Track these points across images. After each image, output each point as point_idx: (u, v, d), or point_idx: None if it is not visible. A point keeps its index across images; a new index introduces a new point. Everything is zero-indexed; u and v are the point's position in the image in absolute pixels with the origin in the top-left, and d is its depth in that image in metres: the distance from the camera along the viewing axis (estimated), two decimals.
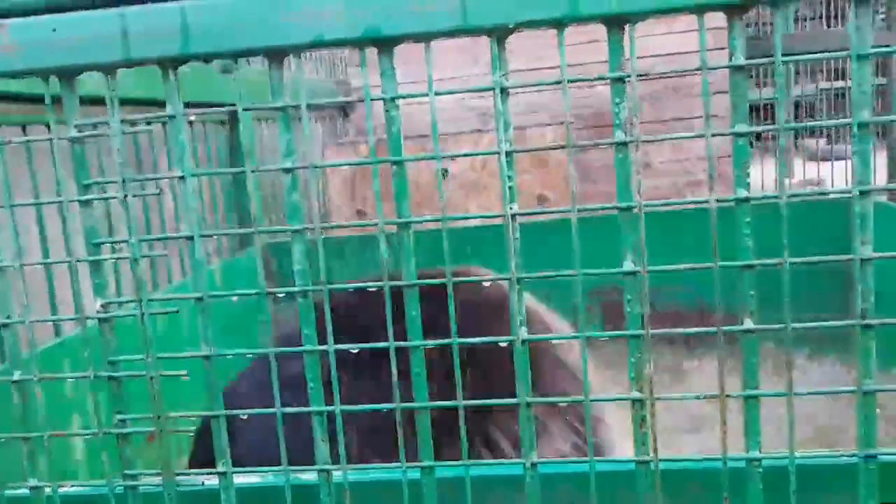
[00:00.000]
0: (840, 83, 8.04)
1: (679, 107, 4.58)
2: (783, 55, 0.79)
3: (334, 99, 4.88)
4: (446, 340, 0.85)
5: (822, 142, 8.29)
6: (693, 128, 4.49)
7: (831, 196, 3.22)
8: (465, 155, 0.90)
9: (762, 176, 6.46)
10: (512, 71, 0.84)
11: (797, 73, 8.40)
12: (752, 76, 7.76)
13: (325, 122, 4.90)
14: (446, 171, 3.74)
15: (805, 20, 8.64)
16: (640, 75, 0.79)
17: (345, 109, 5.08)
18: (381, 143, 0.85)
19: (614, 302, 3.20)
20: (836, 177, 6.57)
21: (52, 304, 1.77)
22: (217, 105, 2.16)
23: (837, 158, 6.51)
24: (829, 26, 7.82)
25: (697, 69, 0.78)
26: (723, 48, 4.43)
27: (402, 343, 0.86)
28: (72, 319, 0.88)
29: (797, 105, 8.39)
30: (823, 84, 8.38)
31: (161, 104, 0.84)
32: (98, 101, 0.90)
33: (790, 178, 7.18)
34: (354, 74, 5.00)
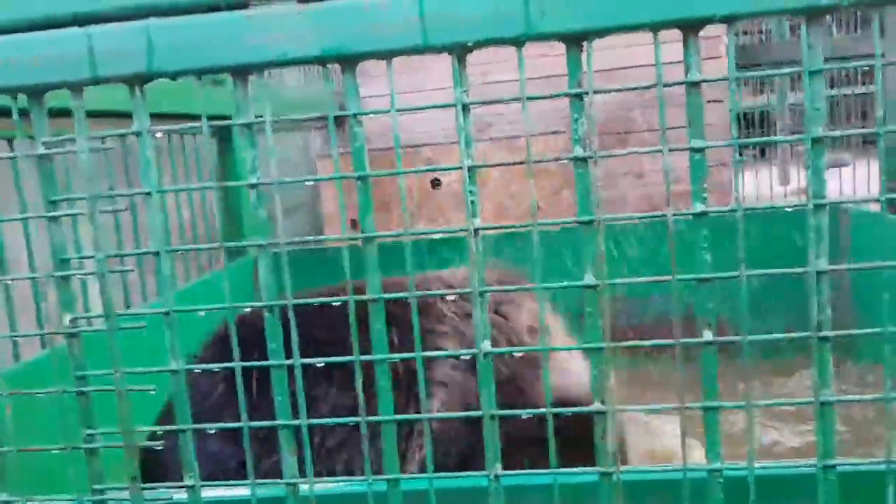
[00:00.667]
0: (832, 91, 8.09)
1: (669, 115, 4.60)
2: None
3: (303, 115, 4.90)
4: (409, 354, 0.86)
5: None
6: (683, 135, 4.50)
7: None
8: (431, 170, 0.91)
9: (758, 183, 6.50)
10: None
11: (793, 79, 8.43)
12: (745, 84, 7.79)
13: (319, 131, 4.92)
14: (438, 180, 3.76)
15: (799, 28, 8.67)
16: (597, 91, 0.80)
17: (339, 119, 5.11)
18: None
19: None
20: (831, 184, 6.62)
21: (39, 317, 1.77)
22: (209, 116, 2.15)
23: (833, 166, 6.56)
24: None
25: (653, 85, 0.80)
26: (717, 57, 4.41)
27: (367, 357, 0.87)
28: (38, 335, 0.89)
29: (793, 113, 8.42)
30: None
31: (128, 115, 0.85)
32: (67, 114, 0.91)
33: (786, 185, 7.19)
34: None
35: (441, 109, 0.88)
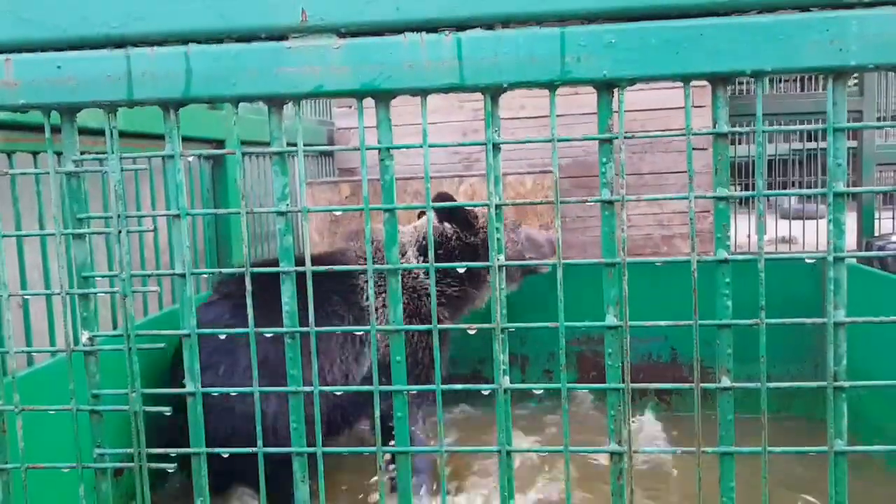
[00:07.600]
0: (811, 144, 8.28)
1: (654, 160, 4.67)
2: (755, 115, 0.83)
3: (322, 145, 4.92)
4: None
5: (794, 200, 8.48)
6: (669, 182, 4.57)
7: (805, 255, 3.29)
8: (459, 206, 0.92)
9: (736, 231, 6.61)
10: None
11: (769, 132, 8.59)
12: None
13: (307, 159, 4.93)
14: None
15: (780, 81, 8.87)
16: (627, 136, 0.83)
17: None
18: (360, 184, 0.87)
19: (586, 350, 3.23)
20: (807, 235, 6.73)
21: (28, 332, 1.75)
22: (202, 139, 2.14)
23: (809, 218, 6.69)
24: (802, 89, 8.04)
25: (682, 133, 0.82)
26: (702, 106, 4.48)
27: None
28: (57, 351, 0.88)
29: (770, 164, 8.57)
30: (796, 145, 8.61)
31: (135, 136, 0.86)
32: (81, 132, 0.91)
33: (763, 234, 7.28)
34: (338, 115, 5.04)
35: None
